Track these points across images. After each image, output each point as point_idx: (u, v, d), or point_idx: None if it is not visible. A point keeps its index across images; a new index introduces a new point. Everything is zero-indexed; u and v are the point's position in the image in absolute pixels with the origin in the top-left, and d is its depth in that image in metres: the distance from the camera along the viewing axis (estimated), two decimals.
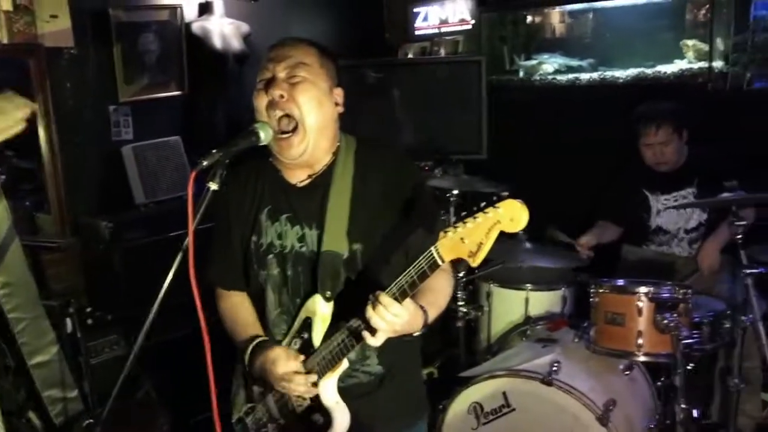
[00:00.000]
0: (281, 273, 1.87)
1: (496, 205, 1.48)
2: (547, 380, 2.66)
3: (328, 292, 1.79)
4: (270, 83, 1.76)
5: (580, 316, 3.15)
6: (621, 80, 4.39)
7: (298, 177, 1.87)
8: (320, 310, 1.79)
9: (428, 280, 1.60)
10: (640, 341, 2.71)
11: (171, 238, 3.62)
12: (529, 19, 5.06)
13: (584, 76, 4.56)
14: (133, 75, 3.88)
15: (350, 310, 1.74)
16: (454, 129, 4.58)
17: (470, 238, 1.50)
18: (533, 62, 4.81)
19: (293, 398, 1.85)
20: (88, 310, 3.39)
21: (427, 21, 5.16)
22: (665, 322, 2.64)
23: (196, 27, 4.13)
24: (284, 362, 1.78)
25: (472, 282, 3.65)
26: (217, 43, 4.18)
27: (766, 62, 3.88)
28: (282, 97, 1.75)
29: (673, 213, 3.58)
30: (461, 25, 5.01)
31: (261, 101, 1.78)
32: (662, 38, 4.41)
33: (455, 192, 3.75)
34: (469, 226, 1.50)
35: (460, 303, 3.54)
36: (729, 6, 4.02)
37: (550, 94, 4.65)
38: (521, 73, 4.85)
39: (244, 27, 4.36)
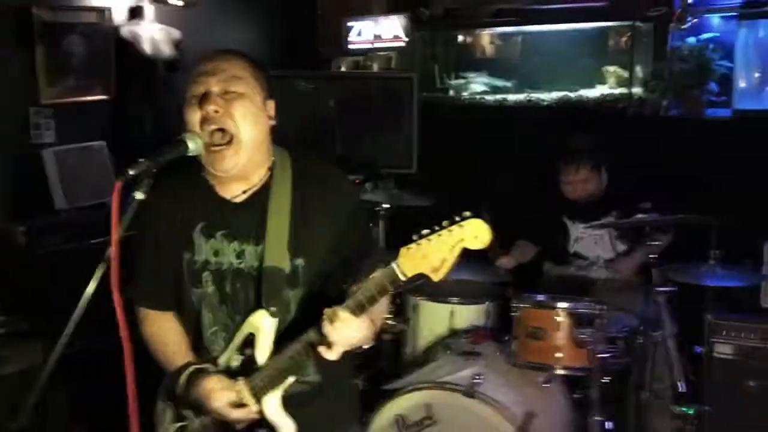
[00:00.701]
0: (217, 290, 1.83)
1: (461, 223, 1.52)
2: (469, 392, 2.71)
3: (273, 308, 1.77)
4: (204, 98, 1.73)
5: (502, 330, 3.22)
6: (546, 102, 4.54)
7: (232, 192, 1.83)
8: (265, 325, 1.77)
9: None
10: (558, 355, 2.81)
11: (92, 245, 3.53)
12: (461, 39, 5.17)
13: (511, 97, 4.69)
14: (57, 77, 3.77)
15: (294, 325, 1.76)
16: (385, 143, 4.64)
17: (434, 254, 1.53)
18: (460, 81, 4.92)
19: None
20: (2, 318, 3.27)
21: (360, 36, 5.20)
22: (582, 336, 2.74)
23: (125, 31, 4.05)
24: (219, 394, 1.74)
25: (399, 295, 3.69)
26: (147, 48, 4.11)
27: (683, 91, 4.07)
28: (217, 112, 1.72)
29: (591, 242, 3.71)
30: (395, 41, 5.07)
31: (194, 116, 1.73)
32: (586, 64, 4.58)
33: (385, 206, 3.80)
34: (433, 242, 1.53)
35: (386, 316, 3.56)
36: (648, 36, 4.22)
37: (478, 112, 4.76)
38: (451, 92, 4.95)
39: (175, 33, 4.30)
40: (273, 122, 1.85)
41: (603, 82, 4.44)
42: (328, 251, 1.82)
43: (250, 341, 1.78)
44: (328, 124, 4.73)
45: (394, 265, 1.57)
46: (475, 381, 2.75)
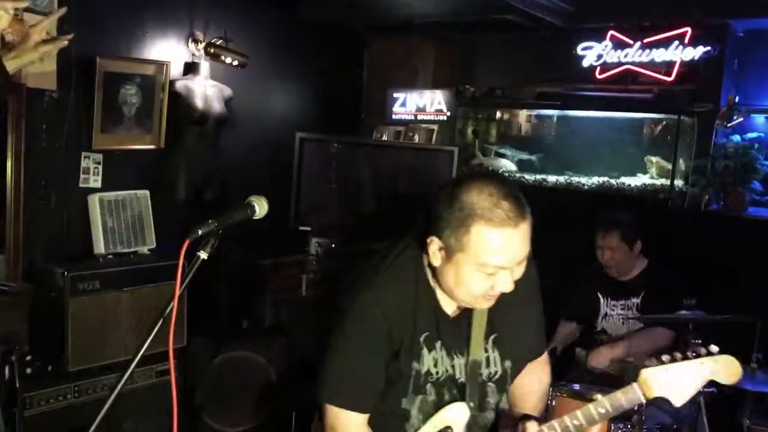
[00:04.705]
0: (437, 398, 1.84)
1: (715, 357, 1.54)
2: None
3: (472, 404, 1.82)
4: (501, 275, 1.67)
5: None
6: (586, 187, 4.55)
7: (452, 308, 1.84)
8: (460, 420, 1.81)
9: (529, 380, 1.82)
10: None
11: (125, 293, 3.54)
12: (499, 115, 5.25)
13: (551, 179, 4.71)
14: (111, 124, 3.84)
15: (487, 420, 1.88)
16: (421, 214, 4.64)
17: (680, 380, 1.54)
18: (489, 157, 5.01)
19: None
20: (28, 358, 3.27)
21: (404, 107, 5.30)
22: (619, 431, 2.66)
23: (179, 85, 4.15)
24: None
25: None
26: (199, 103, 4.20)
27: (723, 187, 4.07)
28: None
29: (618, 321, 3.69)
30: (437, 115, 5.16)
31: (479, 287, 1.68)
32: (628, 151, 4.61)
33: None
34: (682, 369, 1.53)
35: None
36: (693, 130, 4.25)
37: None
38: (490, 167, 4.99)
39: (227, 91, 4.40)
40: None
41: (645, 171, 4.46)
42: (528, 336, 1.90)
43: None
44: (363, 190, 4.80)
45: (635, 385, 1.57)
46: None
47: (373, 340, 1.78)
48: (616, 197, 4.32)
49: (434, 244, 1.70)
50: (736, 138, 4.09)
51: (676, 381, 1.51)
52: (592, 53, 4.53)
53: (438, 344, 1.81)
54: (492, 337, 1.84)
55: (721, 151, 4.05)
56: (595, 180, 4.53)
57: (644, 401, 1.57)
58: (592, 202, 4.41)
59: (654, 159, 4.43)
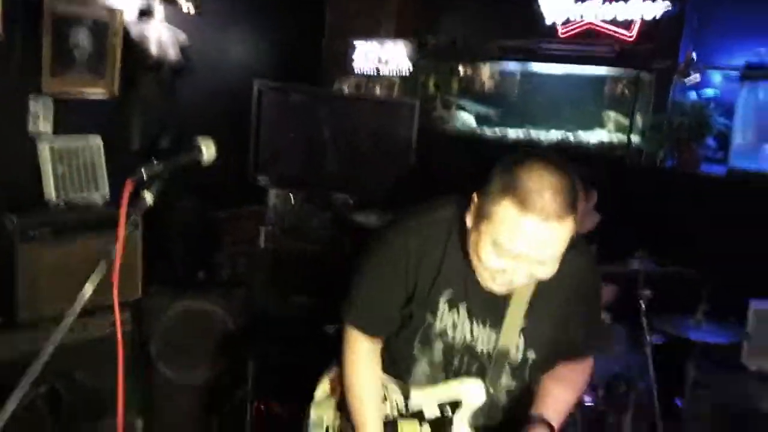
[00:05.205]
0: (444, 360, 1.81)
1: None
2: None
3: (491, 389, 1.79)
4: (516, 263, 1.56)
5: None
6: (545, 142, 4.57)
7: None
8: (473, 400, 1.80)
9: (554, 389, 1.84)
10: None
11: (78, 242, 3.47)
12: (461, 70, 5.20)
13: (511, 133, 4.72)
14: (61, 68, 3.71)
15: (497, 404, 1.83)
16: (381, 166, 4.63)
17: None
18: (450, 110, 4.99)
19: None
20: None
21: (366, 58, 5.22)
22: None
23: (134, 31, 4.02)
24: None
25: None
26: (154, 49, 4.09)
27: (679, 144, 4.12)
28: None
29: None
30: (399, 66, 5.10)
31: (490, 263, 1.59)
32: (586, 107, 4.63)
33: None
34: None
35: None
36: (651, 86, 4.27)
37: (475, 145, 4.78)
38: (450, 122, 4.97)
39: (182, 36, 4.28)
40: None
41: (602, 126, 4.48)
42: (560, 334, 1.79)
43: (455, 405, 1.81)
44: (325, 139, 4.75)
45: None
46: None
47: (392, 267, 1.77)
48: (574, 153, 4.33)
49: (473, 203, 1.67)
50: (693, 95, 4.12)
51: None
52: (555, 7, 4.49)
53: (462, 306, 1.75)
54: (526, 318, 1.77)
55: (679, 109, 4.08)
56: (554, 135, 4.55)
57: None
58: None
59: (612, 114, 4.45)
